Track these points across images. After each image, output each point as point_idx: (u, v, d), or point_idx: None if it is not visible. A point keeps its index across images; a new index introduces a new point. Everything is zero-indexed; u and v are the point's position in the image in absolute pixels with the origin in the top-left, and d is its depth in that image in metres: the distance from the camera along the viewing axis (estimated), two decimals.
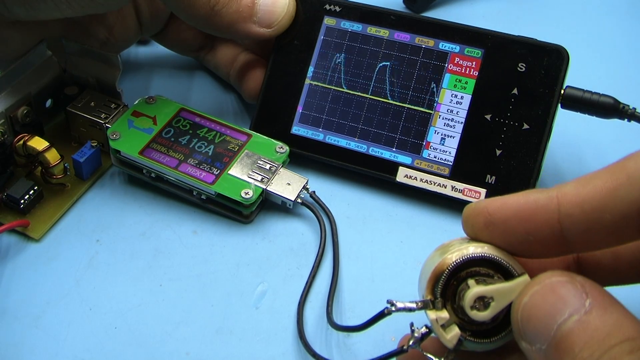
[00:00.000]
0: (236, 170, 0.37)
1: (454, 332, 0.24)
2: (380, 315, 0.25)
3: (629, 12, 0.54)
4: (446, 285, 0.24)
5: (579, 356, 0.20)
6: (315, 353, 0.31)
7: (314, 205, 0.37)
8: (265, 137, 0.39)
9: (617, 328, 0.20)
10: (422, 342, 0.25)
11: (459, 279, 0.24)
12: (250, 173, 0.37)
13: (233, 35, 0.39)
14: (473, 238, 0.25)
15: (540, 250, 0.24)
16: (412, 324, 0.25)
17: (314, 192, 0.38)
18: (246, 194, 0.36)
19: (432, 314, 0.24)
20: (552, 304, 0.21)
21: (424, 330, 0.25)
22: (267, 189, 0.37)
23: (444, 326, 0.24)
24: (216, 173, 0.37)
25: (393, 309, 0.25)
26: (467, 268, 0.24)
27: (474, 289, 0.23)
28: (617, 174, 0.22)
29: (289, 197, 0.37)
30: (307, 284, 0.35)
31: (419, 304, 0.24)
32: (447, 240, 0.26)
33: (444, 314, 0.24)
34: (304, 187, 0.38)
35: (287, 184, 0.37)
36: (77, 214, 0.38)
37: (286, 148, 0.39)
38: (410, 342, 0.25)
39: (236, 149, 0.38)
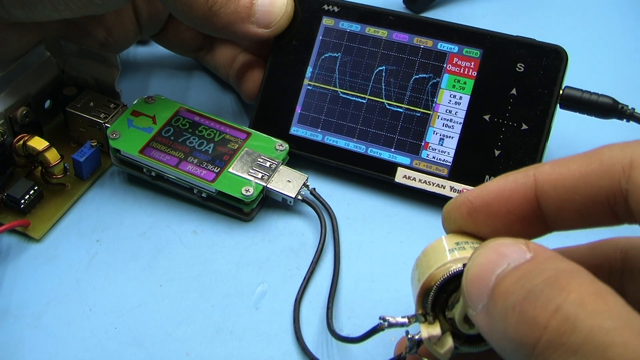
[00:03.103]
0: (236, 168, 0.38)
1: (448, 346, 0.24)
2: (375, 330, 0.26)
3: (628, 12, 0.54)
4: (436, 300, 0.24)
5: (513, 292, 0.20)
6: (312, 355, 0.32)
7: (314, 202, 0.37)
8: (264, 135, 0.39)
9: (555, 265, 0.20)
10: (418, 347, 0.25)
11: (449, 291, 0.24)
12: (251, 171, 0.37)
13: (231, 35, 0.39)
14: (457, 231, 0.26)
15: (522, 230, 0.24)
16: (407, 332, 0.25)
17: (314, 189, 0.38)
18: (247, 191, 0.36)
19: (424, 332, 0.24)
20: (492, 259, 0.21)
21: (418, 336, 0.25)
22: (268, 186, 0.37)
23: (437, 340, 0.24)
24: (216, 171, 0.37)
25: (386, 324, 0.25)
26: (455, 281, 0.24)
27: (456, 315, 0.24)
28: (592, 160, 0.23)
29: (289, 194, 0.37)
30: (305, 279, 0.35)
31: (411, 319, 0.25)
32: (434, 241, 0.26)
33: (436, 330, 0.24)
34: (304, 184, 0.38)
35: (288, 181, 0.38)
36: (77, 214, 0.38)
37: (286, 146, 0.39)
38: (408, 350, 0.25)
39: (236, 147, 0.38)
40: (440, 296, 0.24)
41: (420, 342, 0.25)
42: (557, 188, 0.23)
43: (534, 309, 0.19)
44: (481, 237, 0.25)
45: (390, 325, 0.25)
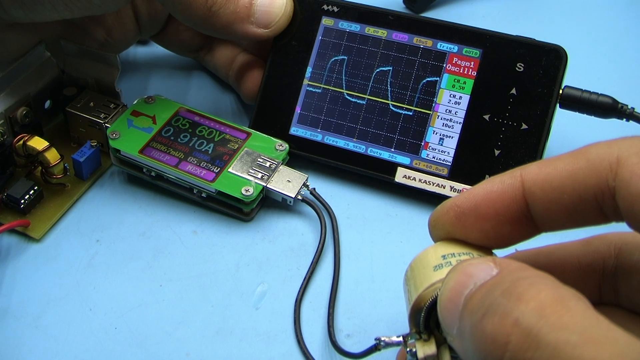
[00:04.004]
0: (236, 168, 0.38)
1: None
2: (372, 349, 0.27)
3: (627, 12, 0.54)
4: (427, 319, 0.24)
5: (476, 311, 0.19)
6: (312, 357, 0.32)
7: (314, 202, 0.37)
8: (264, 135, 0.39)
9: (516, 275, 0.20)
10: (419, 358, 0.25)
11: None
12: (251, 171, 0.37)
13: (230, 36, 0.39)
14: (445, 238, 0.25)
15: (511, 232, 0.24)
16: (405, 342, 0.25)
17: (314, 189, 0.38)
18: (247, 191, 0.36)
19: (420, 352, 0.24)
20: (461, 282, 0.21)
21: (416, 349, 0.25)
22: (268, 186, 0.37)
23: (435, 357, 0.24)
24: (216, 171, 0.37)
25: (382, 344, 0.25)
26: None
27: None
28: (578, 159, 0.22)
29: (289, 194, 0.37)
30: (305, 279, 0.35)
31: (407, 338, 0.25)
32: (421, 252, 0.26)
33: (432, 349, 0.24)
34: (304, 184, 0.38)
35: (288, 181, 0.38)
36: (77, 214, 0.38)
37: (286, 146, 0.39)
38: None
39: (236, 147, 0.39)
40: (432, 315, 0.24)
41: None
42: (545, 188, 0.23)
43: (492, 325, 0.19)
44: (470, 244, 0.25)
45: (387, 344, 0.25)
